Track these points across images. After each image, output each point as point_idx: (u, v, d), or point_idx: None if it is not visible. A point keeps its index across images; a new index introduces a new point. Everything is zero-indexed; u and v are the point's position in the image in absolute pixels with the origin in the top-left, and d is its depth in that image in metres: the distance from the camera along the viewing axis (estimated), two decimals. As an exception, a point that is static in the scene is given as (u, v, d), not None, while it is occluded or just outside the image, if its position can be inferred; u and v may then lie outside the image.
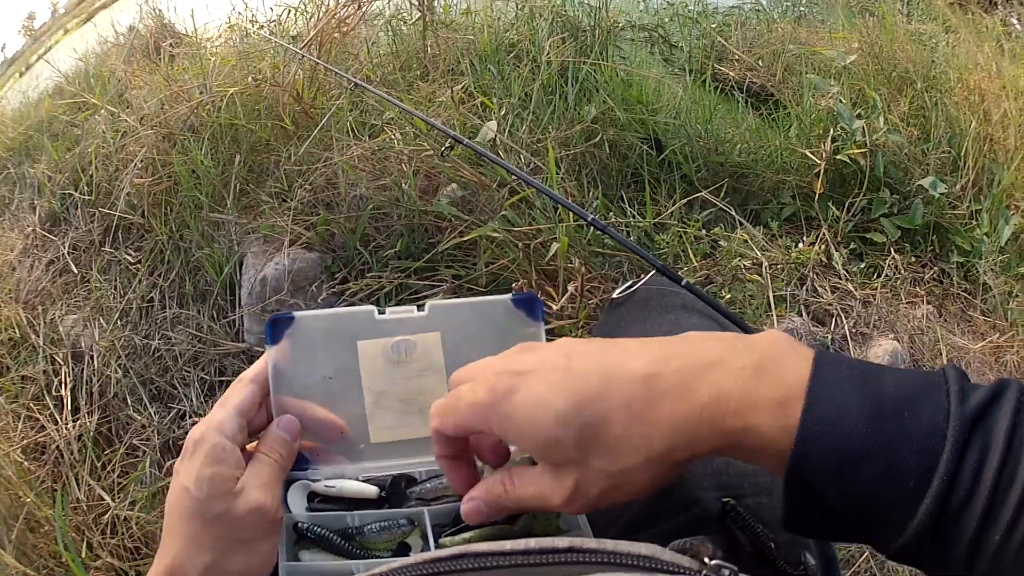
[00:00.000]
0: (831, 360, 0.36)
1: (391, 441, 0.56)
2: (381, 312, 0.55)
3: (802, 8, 2.70)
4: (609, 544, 0.39)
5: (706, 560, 0.38)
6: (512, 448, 0.50)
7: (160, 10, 2.70)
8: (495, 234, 1.48)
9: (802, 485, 0.35)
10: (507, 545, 0.40)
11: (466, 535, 0.50)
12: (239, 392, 0.51)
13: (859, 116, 1.95)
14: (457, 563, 0.39)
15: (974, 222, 1.90)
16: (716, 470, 0.56)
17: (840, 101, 1.99)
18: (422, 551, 0.50)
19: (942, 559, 0.33)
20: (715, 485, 0.55)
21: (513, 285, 1.46)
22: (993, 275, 1.84)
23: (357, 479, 0.55)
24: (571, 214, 1.49)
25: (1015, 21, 3.57)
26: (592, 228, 1.50)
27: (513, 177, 1.54)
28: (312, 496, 0.55)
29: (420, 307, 0.55)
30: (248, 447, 0.51)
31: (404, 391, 0.56)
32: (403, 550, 0.52)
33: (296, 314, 0.55)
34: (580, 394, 0.39)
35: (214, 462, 0.46)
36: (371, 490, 0.54)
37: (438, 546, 0.50)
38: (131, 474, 1.61)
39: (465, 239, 1.51)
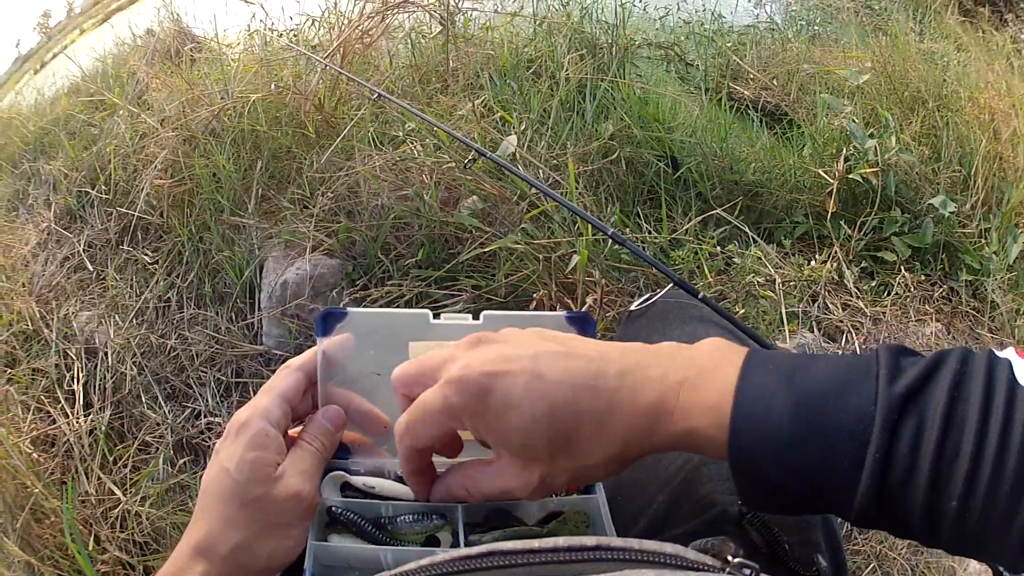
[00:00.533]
0: (759, 362, 0.41)
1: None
2: (436, 317, 0.57)
3: (816, 27, 2.73)
4: (635, 544, 0.40)
5: (729, 559, 0.40)
6: (465, 438, 0.53)
7: (178, 14, 2.73)
8: (515, 246, 1.51)
9: (744, 473, 0.39)
10: (535, 543, 0.41)
11: (495, 534, 0.52)
12: (285, 379, 0.51)
13: (871, 135, 1.98)
14: (486, 560, 0.41)
15: (983, 240, 1.92)
16: (730, 477, 0.58)
17: (853, 120, 2.02)
18: (452, 547, 0.52)
19: (903, 525, 0.36)
20: (732, 488, 0.56)
21: (533, 296, 1.49)
22: (1001, 293, 1.85)
23: (396, 474, 0.56)
24: (590, 228, 1.52)
25: None
26: (610, 242, 1.53)
27: (532, 191, 1.57)
28: (346, 486, 0.55)
29: (475, 316, 0.57)
30: (290, 432, 0.52)
31: None
32: (432, 543, 0.53)
33: (350, 309, 0.57)
34: (552, 402, 0.42)
35: (257, 447, 0.47)
36: (408, 492, 0.55)
37: (467, 544, 0.51)
38: (143, 470, 1.61)
39: (485, 250, 1.54)
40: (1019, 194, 1.97)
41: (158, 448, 1.70)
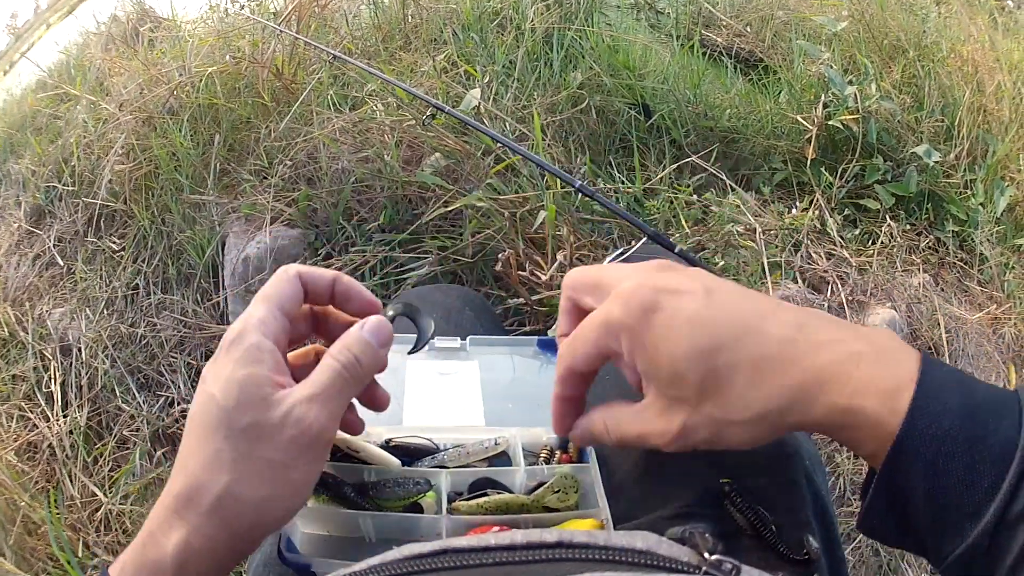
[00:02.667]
0: (935, 363, 0.37)
1: (420, 425, 0.58)
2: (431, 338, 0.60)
3: (790, -27, 2.65)
4: (601, 537, 0.37)
5: (705, 555, 0.36)
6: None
7: (142, -1, 2.65)
8: (480, 203, 1.42)
9: (895, 471, 0.35)
10: (491, 540, 0.37)
11: (480, 501, 0.49)
12: (281, 284, 0.41)
13: (850, 83, 1.91)
14: (438, 560, 0.36)
15: (968, 191, 1.88)
16: (714, 453, 0.52)
17: (831, 67, 1.95)
18: (435, 514, 0.49)
19: (990, 570, 0.34)
20: (713, 465, 0.52)
21: (499, 256, 1.41)
22: (989, 245, 1.81)
23: (382, 441, 0.54)
24: (558, 181, 1.44)
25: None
26: (580, 195, 1.45)
27: (498, 145, 1.48)
28: (334, 451, 0.52)
29: (463, 337, 0.68)
30: (289, 357, 0.43)
31: (441, 394, 0.63)
32: (414, 510, 0.50)
33: None
34: (716, 338, 0.38)
35: (249, 363, 0.37)
36: (394, 461, 0.52)
37: (451, 510, 0.49)
38: (122, 467, 1.57)
39: (450, 209, 1.46)
40: (1004, 147, 1.93)
41: (135, 442, 1.65)
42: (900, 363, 0.36)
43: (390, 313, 0.47)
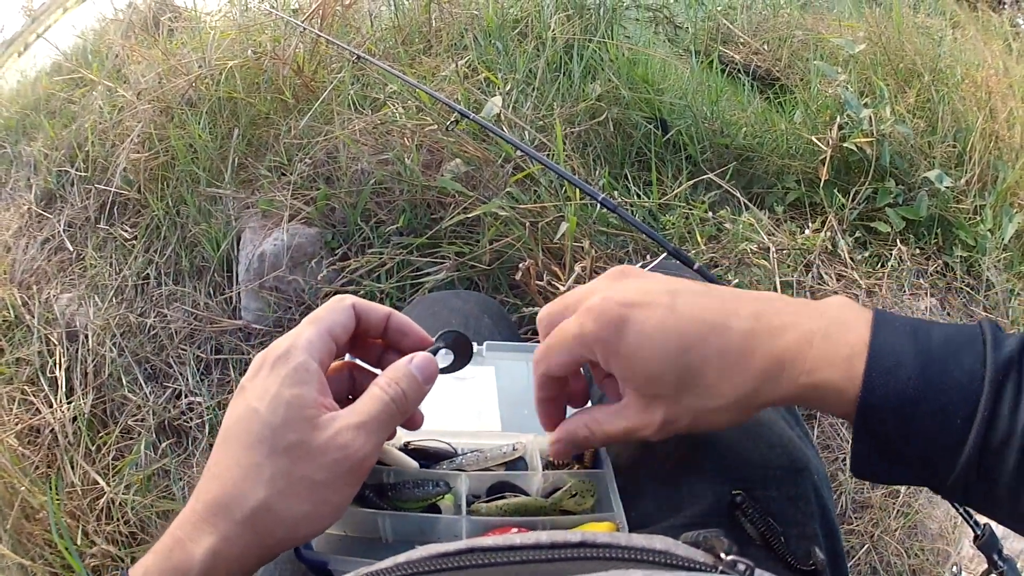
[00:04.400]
0: (887, 320, 0.39)
1: (438, 429, 0.58)
2: None
3: (809, -6, 2.65)
4: (623, 538, 0.38)
5: (721, 555, 0.38)
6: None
7: (160, -15, 2.63)
8: (500, 211, 1.42)
9: (867, 430, 0.38)
10: (517, 539, 0.37)
11: (499, 503, 0.50)
12: (335, 312, 0.43)
13: (866, 105, 1.91)
14: (464, 559, 0.37)
15: (978, 217, 1.87)
16: (726, 465, 0.54)
17: (847, 89, 1.95)
18: (454, 515, 0.50)
19: (990, 494, 0.36)
20: (725, 479, 0.53)
21: (520, 265, 1.41)
22: (996, 272, 1.81)
23: (401, 444, 0.55)
24: (578, 192, 1.44)
25: (1022, 21, 3.54)
26: (599, 207, 1.45)
27: (518, 153, 1.48)
28: None
29: (479, 343, 0.66)
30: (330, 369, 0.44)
31: (458, 398, 0.64)
32: (432, 511, 0.51)
33: None
34: (685, 337, 0.41)
35: (297, 383, 0.38)
36: (411, 463, 0.53)
37: (470, 512, 0.50)
38: (126, 457, 1.56)
39: (469, 216, 1.45)
40: (1015, 174, 1.92)
41: (140, 432, 1.64)
42: (852, 330, 0.39)
43: (440, 345, 0.49)
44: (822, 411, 0.40)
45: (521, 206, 1.44)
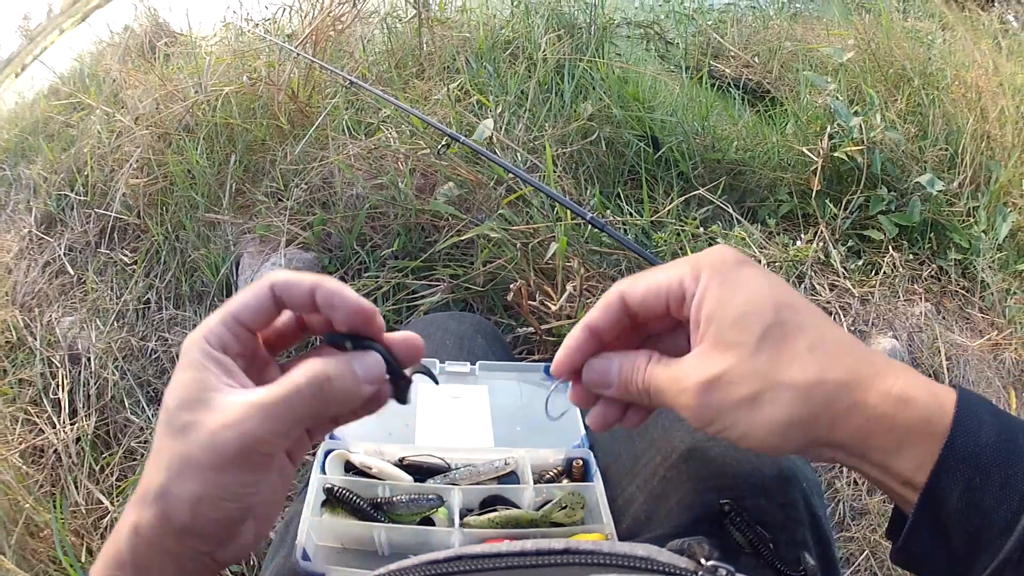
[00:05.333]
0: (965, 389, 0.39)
1: (432, 445, 0.63)
2: (442, 362, 0.72)
3: (798, 4, 2.68)
4: (606, 545, 0.39)
5: (702, 561, 0.39)
6: None
7: (155, 9, 2.67)
8: (492, 233, 1.45)
9: (934, 493, 0.35)
10: (503, 547, 0.39)
11: (491, 516, 0.53)
12: (245, 296, 0.41)
13: (856, 113, 1.94)
14: (453, 565, 0.39)
15: (971, 219, 1.89)
16: (715, 472, 0.56)
17: (837, 98, 1.98)
18: (448, 526, 0.52)
19: None
20: (714, 487, 0.55)
21: (511, 287, 1.44)
22: (991, 272, 1.83)
23: (396, 459, 0.59)
24: (569, 212, 1.47)
25: (1011, 18, 3.56)
26: (590, 226, 1.48)
27: (510, 175, 1.51)
28: (348, 467, 0.58)
29: (472, 363, 0.73)
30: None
31: (452, 416, 0.67)
32: (426, 524, 0.54)
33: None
34: (792, 297, 0.39)
35: (190, 367, 0.38)
36: (406, 477, 0.57)
37: (463, 524, 0.52)
38: (129, 477, 1.59)
39: (463, 238, 1.49)
40: (1007, 173, 1.95)
41: (143, 455, 1.67)
42: (936, 387, 0.37)
43: (407, 371, 0.44)
44: (885, 453, 0.37)
45: (513, 227, 1.47)
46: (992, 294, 1.81)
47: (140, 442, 1.70)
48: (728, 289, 0.39)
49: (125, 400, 1.75)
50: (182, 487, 0.36)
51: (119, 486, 1.58)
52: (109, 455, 1.63)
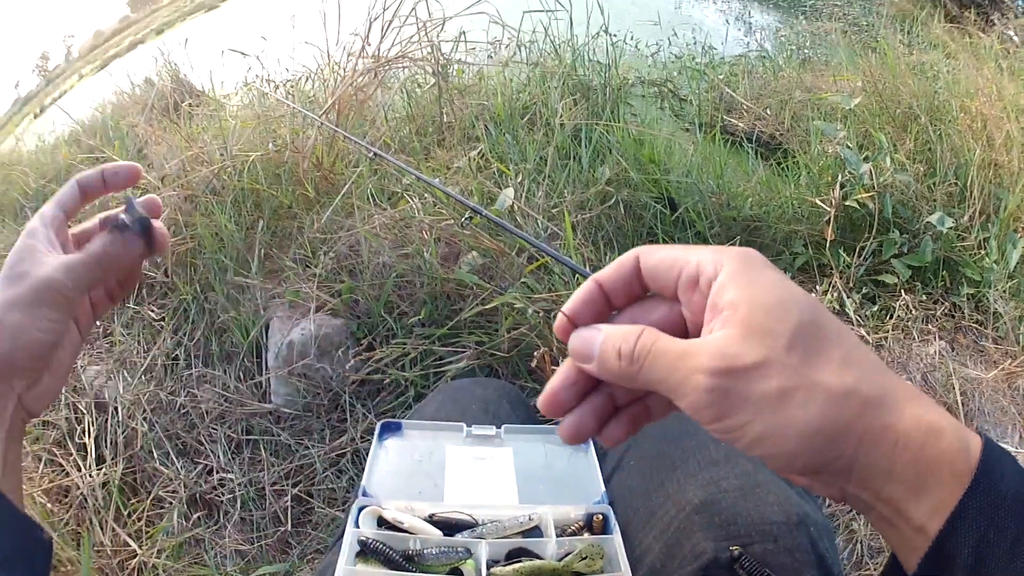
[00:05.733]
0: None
1: (460, 502, 0.68)
2: (469, 425, 0.78)
3: (806, 51, 2.72)
4: None
5: None
6: None
7: (176, 65, 2.74)
8: (516, 302, 1.51)
9: (945, 543, 0.33)
10: None
11: (516, 567, 0.58)
12: (64, 189, 0.57)
13: (866, 159, 1.98)
14: None
15: (982, 251, 1.93)
16: (725, 521, 0.60)
17: (847, 146, 2.03)
18: None
19: None
20: (724, 535, 0.59)
21: (534, 353, 1.49)
22: (1003, 302, 1.84)
23: (426, 515, 0.65)
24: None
25: (1012, 34, 3.59)
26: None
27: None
28: (381, 522, 0.64)
29: (498, 426, 0.78)
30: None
31: (478, 476, 0.72)
32: (455, 575, 0.58)
33: (404, 422, 0.77)
34: (817, 304, 0.36)
35: (27, 235, 0.52)
36: (436, 532, 0.62)
37: (490, 575, 0.57)
38: (156, 524, 1.63)
39: (487, 307, 1.54)
40: (1015, 198, 1.97)
41: (171, 503, 1.72)
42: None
43: (123, 218, 0.56)
44: (907, 496, 0.34)
45: (536, 295, 1.52)
46: (1005, 323, 1.82)
47: (169, 491, 1.76)
48: (757, 281, 0.36)
49: (154, 451, 1.80)
50: (11, 317, 0.49)
51: (146, 531, 1.63)
52: (136, 501, 1.68)
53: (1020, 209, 1.98)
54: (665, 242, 1.73)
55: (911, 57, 2.69)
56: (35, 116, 3.63)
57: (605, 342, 0.38)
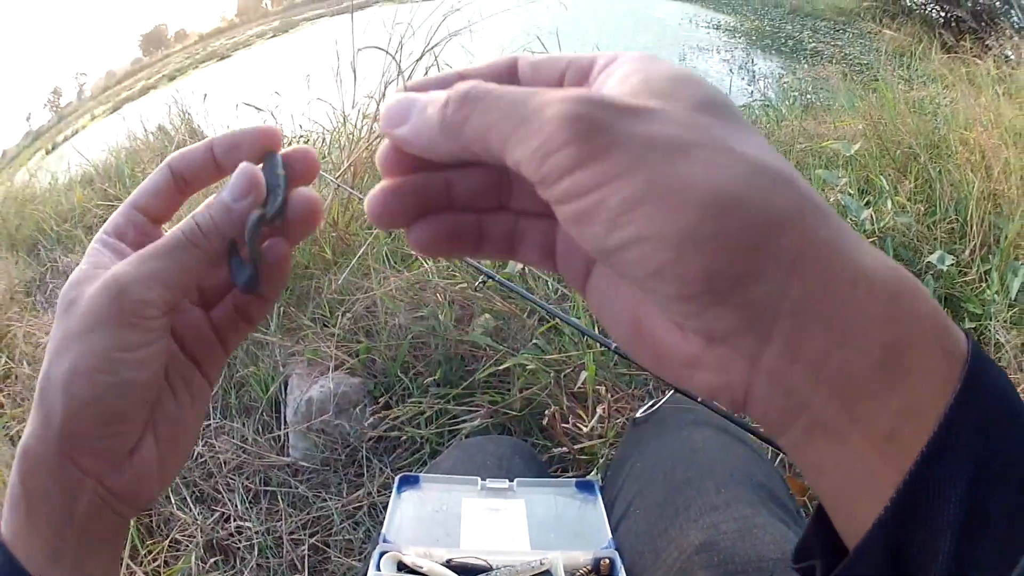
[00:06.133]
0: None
1: (475, 548, 0.74)
2: (483, 479, 0.82)
3: (809, 96, 2.80)
4: None
5: None
6: None
7: (189, 114, 2.82)
8: (527, 363, 1.59)
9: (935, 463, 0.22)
10: None
11: None
12: (145, 182, 0.39)
13: (867, 204, 2.05)
14: None
15: (983, 284, 1.96)
16: (724, 560, 0.63)
17: (848, 193, 2.10)
18: None
19: None
20: (723, 572, 0.62)
21: (545, 412, 1.57)
22: (1004, 331, 1.86)
23: (443, 561, 0.70)
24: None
25: (1009, 53, 3.65)
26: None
27: (542, 305, 1.65)
28: (400, 567, 0.69)
29: (511, 479, 0.83)
30: None
31: (492, 525, 0.78)
32: None
33: (421, 475, 0.82)
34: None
35: (86, 257, 0.36)
36: (452, 575, 0.69)
37: None
38: (172, 565, 1.68)
39: (500, 367, 1.62)
40: (1015, 226, 2.00)
41: (188, 546, 1.78)
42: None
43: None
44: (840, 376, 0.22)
45: (547, 356, 1.60)
46: (1007, 352, 1.84)
47: (186, 536, 1.83)
48: (662, 63, 0.27)
49: (172, 497, 1.87)
50: (58, 367, 0.33)
51: (164, 572, 1.69)
52: (153, 543, 1.73)
53: (1020, 236, 2.00)
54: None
55: (911, 93, 2.76)
56: (47, 152, 3.72)
57: (430, 99, 0.27)
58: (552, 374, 1.60)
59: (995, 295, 1.91)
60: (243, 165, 0.36)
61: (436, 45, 1.90)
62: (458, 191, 0.31)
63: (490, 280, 1.66)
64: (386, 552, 0.70)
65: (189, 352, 0.39)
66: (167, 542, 1.78)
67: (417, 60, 1.86)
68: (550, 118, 0.23)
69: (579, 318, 1.64)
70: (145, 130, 2.95)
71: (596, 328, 1.68)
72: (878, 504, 0.22)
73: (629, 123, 0.23)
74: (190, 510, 1.86)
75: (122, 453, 0.35)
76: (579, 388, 1.62)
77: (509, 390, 1.64)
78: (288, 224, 0.37)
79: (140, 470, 0.35)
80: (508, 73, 0.30)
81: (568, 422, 1.61)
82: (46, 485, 0.34)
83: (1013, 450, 0.22)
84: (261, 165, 0.37)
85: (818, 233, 0.23)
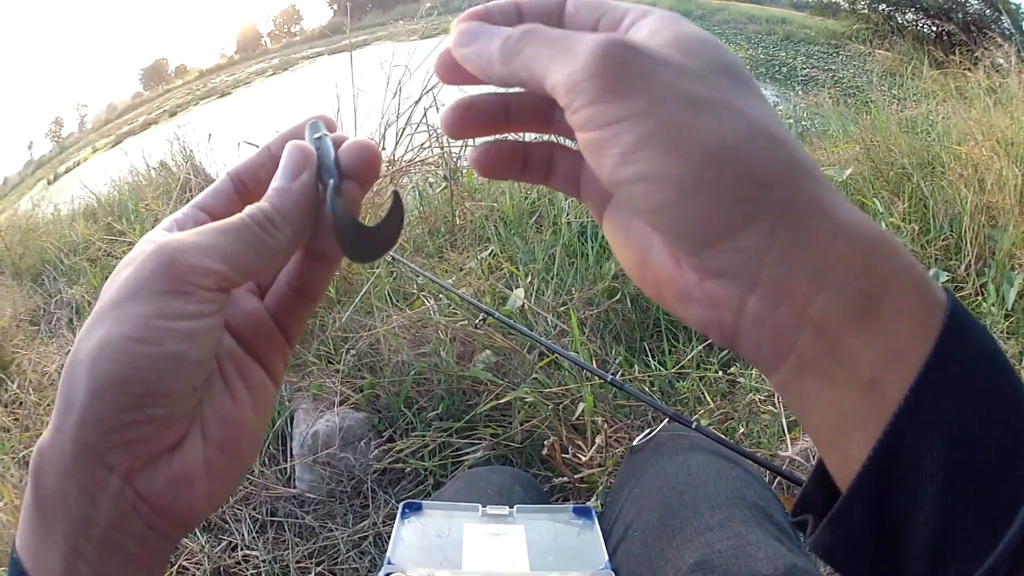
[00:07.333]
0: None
1: (478, 571, 0.79)
2: (484, 505, 0.88)
3: (804, 122, 2.89)
4: None
5: None
6: None
7: (191, 150, 2.93)
8: (527, 397, 1.69)
9: (910, 421, 0.24)
10: None
11: None
12: (212, 186, 0.39)
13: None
14: None
15: (980, 297, 2.02)
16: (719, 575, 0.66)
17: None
18: None
19: None
20: None
21: (545, 443, 1.67)
22: (1002, 342, 1.90)
23: None
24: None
25: (1000, 60, 3.73)
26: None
27: (541, 340, 1.75)
28: None
29: (511, 505, 0.89)
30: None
31: (492, 549, 0.83)
32: None
33: (424, 503, 0.87)
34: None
35: (139, 244, 0.33)
36: None
37: None
38: None
39: (501, 401, 1.72)
40: (1010, 236, 2.06)
41: (195, 574, 1.87)
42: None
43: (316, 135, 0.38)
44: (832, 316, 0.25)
45: (547, 390, 1.70)
46: None
47: (193, 563, 1.92)
48: (692, 26, 0.30)
49: None
50: (87, 342, 0.29)
51: None
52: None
53: (1015, 246, 2.05)
54: (670, 334, 1.90)
55: (903, 112, 2.85)
56: (48, 183, 3.84)
57: (497, 30, 0.31)
58: (552, 407, 1.70)
59: (992, 307, 1.97)
60: (289, 144, 0.36)
61: (435, 87, 2.02)
62: (513, 110, 0.36)
63: (490, 317, 1.77)
64: (391, 574, 0.76)
65: (247, 346, 0.36)
66: (174, 569, 1.87)
67: (416, 102, 1.97)
68: (584, 51, 0.27)
69: (577, 352, 1.74)
70: (148, 165, 3.06)
71: (593, 362, 1.79)
72: (866, 446, 0.24)
73: (653, 69, 0.27)
74: (197, 538, 1.95)
75: (158, 447, 0.30)
76: (578, 419, 1.72)
77: (510, 423, 1.74)
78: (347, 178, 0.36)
79: (180, 473, 0.30)
80: (557, 8, 0.33)
81: (568, 452, 1.71)
82: (61, 486, 0.29)
83: (1000, 388, 0.24)
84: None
85: (805, 191, 0.26)
